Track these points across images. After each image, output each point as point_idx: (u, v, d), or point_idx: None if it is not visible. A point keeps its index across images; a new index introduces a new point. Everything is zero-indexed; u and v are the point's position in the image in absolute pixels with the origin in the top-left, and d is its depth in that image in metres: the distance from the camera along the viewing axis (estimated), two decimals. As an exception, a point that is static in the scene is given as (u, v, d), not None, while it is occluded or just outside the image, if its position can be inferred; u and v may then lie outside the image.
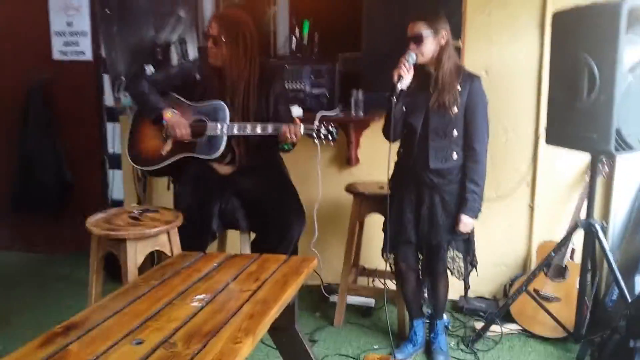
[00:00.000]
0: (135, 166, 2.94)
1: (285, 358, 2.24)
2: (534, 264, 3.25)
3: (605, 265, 2.88)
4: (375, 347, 2.94)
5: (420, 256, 2.76)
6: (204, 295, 1.82)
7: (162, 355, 1.42)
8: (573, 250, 3.07)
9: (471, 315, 3.24)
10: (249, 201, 2.86)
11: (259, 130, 2.65)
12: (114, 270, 2.39)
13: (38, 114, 4.02)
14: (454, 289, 3.33)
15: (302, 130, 2.61)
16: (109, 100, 3.91)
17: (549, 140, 2.75)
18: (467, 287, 2.81)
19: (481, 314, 3.21)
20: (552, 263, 3.02)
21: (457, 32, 3.15)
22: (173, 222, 2.43)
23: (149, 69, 3.60)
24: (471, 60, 3.23)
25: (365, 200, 3.05)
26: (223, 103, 2.70)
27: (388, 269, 2.95)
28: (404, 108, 2.57)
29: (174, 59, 3.68)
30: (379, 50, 3.28)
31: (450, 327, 3.09)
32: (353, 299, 3.28)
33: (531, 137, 3.28)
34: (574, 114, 2.50)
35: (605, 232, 3.03)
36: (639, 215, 3.07)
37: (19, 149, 4.05)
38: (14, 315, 3.18)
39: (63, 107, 4.08)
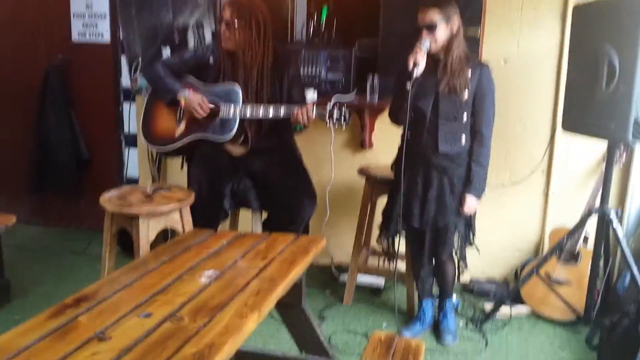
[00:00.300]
0: (149, 146, 2.98)
1: (292, 334, 2.28)
2: (546, 250, 3.24)
3: (618, 251, 2.86)
4: (384, 325, 2.97)
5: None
6: (212, 271, 1.85)
7: (169, 328, 1.45)
8: (586, 238, 3.05)
9: (481, 297, 3.25)
10: (261, 182, 2.89)
11: (271, 113, 2.67)
12: (128, 245, 2.44)
13: (56, 94, 4.07)
14: (466, 271, 3.35)
15: (314, 113, 2.62)
16: (125, 81, 3.95)
17: (565, 126, 2.73)
18: (463, 267, 2.79)
19: (491, 296, 3.22)
20: (564, 248, 3.01)
21: (476, 21, 3.14)
22: (185, 200, 2.47)
23: (166, 52, 3.63)
24: (490, 49, 3.22)
25: (377, 183, 3.06)
26: (237, 86, 2.72)
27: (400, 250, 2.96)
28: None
29: (191, 42, 3.70)
30: (397, 36, 3.26)
31: (459, 308, 3.11)
32: (363, 279, 3.31)
33: (548, 126, 3.26)
34: (592, 102, 2.49)
35: (620, 219, 3.01)
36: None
37: (37, 128, 4.12)
38: (32, 287, 3.29)
39: (81, 88, 4.14)
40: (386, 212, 2.81)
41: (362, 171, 3.14)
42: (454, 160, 2.59)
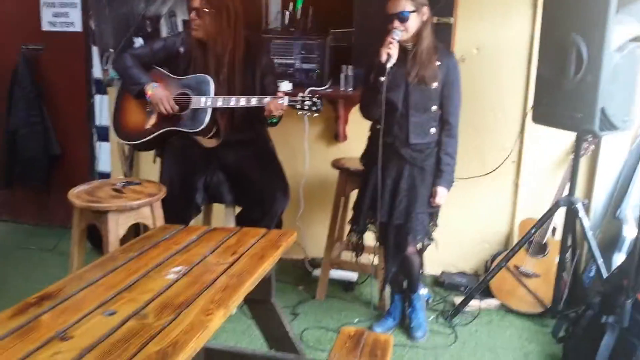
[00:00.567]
0: (120, 140, 2.95)
1: (261, 330, 2.28)
2: (515, 241, 3.28)
3: (586, 242, 2.92)
4: (356, 320, 2.99)
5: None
6: (180, 267, 1.84)
7: (132, 326, 1.44)
8: (554, 228, 3.11)
9: (452, 290, 3.29)
10: (233, 175, 2.88)
11: (243, 103, 2.66)
12: (99, 241, 2.41)
13: (25, 85, 3.99)
14: (437, 264, 3.40)
15: (286, 102, 2.61)
16: (97, 72, 3.89)
17: (535, 119, 2.76)
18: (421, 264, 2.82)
19: (462, 289, 3.26)
20: (532, 240, 3.06)
21: (449, 9, 3.14)
22: (156, 195, 2.45)
23: (139, 42, 3.59)
24: (462, 37, 3.23)
25: (350, 176, 3.07)
26: (207, 76, 2.70)
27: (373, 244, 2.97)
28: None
29: (164, 32, 3.66)
30: (371, 27, 3.26)
31: (430, 302, 3.15)
32: (336, 273, 3.32)
33: (519, 116, 3.29)
34: (561, 93, 2.51)
35: (587, 210, 3.07)
36: (620, 194, 3.09)
37: (6, 120, 4.04)
38: None
39: (51, 79, 4.06)
40: (356, 206, 2.81)
41: (336, 164, 3.14)
42: (423, 151, 2.61)
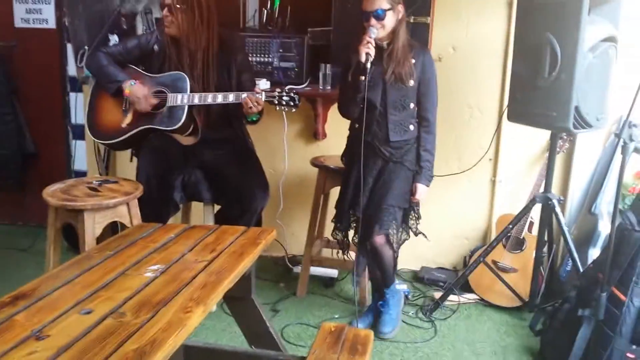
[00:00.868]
0: (95, 140, 2.91)
1: (241, 327, 2.27)
2: (493, 237, 3.32)
3: (562, 237, 2.96)
4: (336, 316, 3.00)
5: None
6: (158, 265, 1.82)
7: (110, 325, 1.42)
8: (531, 224, 3.15)
9: (431, 286, 3.32)
10: (212, 173, 2.86)
11: (220, 99, 2.64)
12: (76, 241, 2.38)
13: (-1, 82, 3.93)
14: (416, 260, 3.42)
15: (263, 97, 2.60)
16: (72, 69, 3.83)
17: (510, 118, 2.80)
18: (395, 257, 2.80)
19: (441, 284, 3.29)
20: (510, 235, 3.09)
21: (426, 9, 3.14)
22: (132, 193, 2.42)
23: (114, 39, 3.54)
24: (439, 36, 3.25)
25: (329, 174, 3.07)
26: (183, 74, 2.68)
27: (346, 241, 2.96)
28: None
29: (140, 29, 3.62)
30: (349, 26, 3.26)
31: (409, 297, 3.16)
32: (317, 270, 3.31)
33: (495, 114, 3.32)
34: (536, 92, 2.54)
35: (562, 207, 3.12)
36: (595, 190, 3.14)
37: (-22, 118, 3.97)
38: (-27, 286, 3.17)
39: (25, 76, 3.99)
40: (338, 204, 2.82)
41: (315, 162, 3.14)
42: (402, 148, 2.63)
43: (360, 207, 2.65)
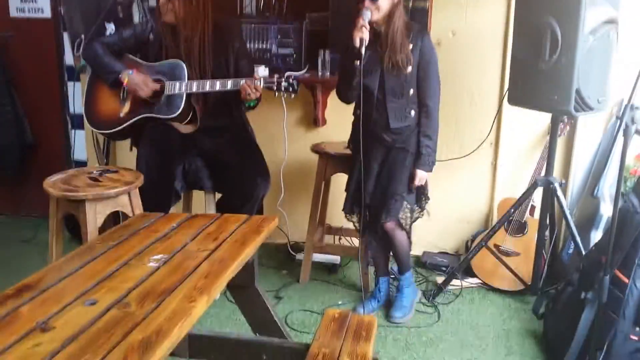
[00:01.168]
0: (94, 130, 2.89)
1: (246, 315, 2.27)
2: (495, 221, 3.32)
3: (563, 221, 2.96)
4: (340, 302, 3.00)
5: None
6: (161, 255, 1.82)
7: (115, 315, 1.42)
8: (533, 207, 3.15)
9: (433, 270, 3.32)
10: (212, 161, 2.85)
11: (218, 86, 2.63)
12: (78, 231, 2.37)
13: (-5, 73, 3.90)
14: (418, 244, 3.42)
15: (262, 84, 2.59)
16: (69, 59, 3.81)
17: (511, 101, 2.78)
18: (409, 237, 2.83)
19: (443, 268, 3.29)
20: (512, 219, 3.09)
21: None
22: (133, 183, 2.40)
23: (110, 28, 3.51)
24: (438, 21, 3.22)
25: (330, 160, 3.07)
26: (180, 61, 2.66)
27: (353, 227, 2.99)
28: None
29: (136, 17, 3.59)
30: (347, 10, 3.23)
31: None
32: (319, 257, 3.33)
33: (496, 98, 3.31)
34: (536, 75, 2.53)
35: (564, 190, 3.11)
36: (597, 173, 3.14)
37: (-24, 109, 3.94)
38: (-24, 278, 3.16)
39: (22, 66, 3.97)
40: (346, 190, 2.82)
41: (315, 148, 3.13)
42: (403, 134, 2.62)
43: (367, 193, 2.66)
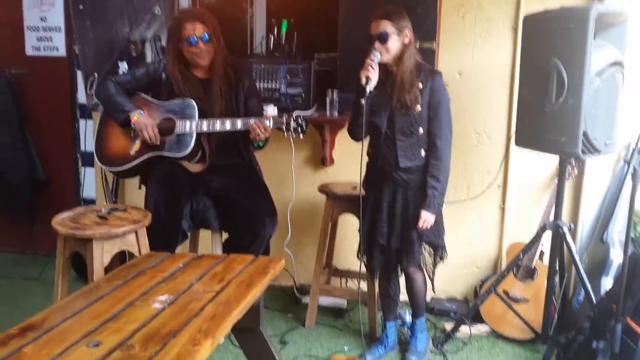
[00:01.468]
0: (103, 167, 2.91)
1: (250, 359, 2.24)
2: (504, 265, 3.28)
3: (574, 266, 2.92)
4: (346, 348, 2.94)
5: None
6: (166, 296, 1.81)
7: (118, 358, 1.40)
8: (542, 252, 3.11)
9: (442, 316, 3.26)
10: (220, 200, 2.85)
11: (228, 126, 2.65)
12: (84, 270, 2.36)
13: (9, 110, 3.96)
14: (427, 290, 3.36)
15: (271, 124, 2.61)
16: (81, 97, 3.87)
17: (518, 143, 2.78)
18: (432, 283, 2.81)
19: (452, 314, 3.24)
20: (520, 264, 3.05)
21: (432, 33, 3.16)
22: (141, 221, 2.40)
23: (123, 66, 3.58)
24: (445, 61, 3.26)
25: (338, 201, 3.05)
26: (192, 100, 2.70)
27: (362, 270, 2.95)
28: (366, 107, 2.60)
29: (149, 56, 3.66)
30: (355, 51, 3.29)
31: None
32: (325, 300, 3.28)
33: (503, 139, 3.31)
34: (543, 116, 2.53)
35: (573, 234, 3.08)
36: (606, 218, 3.11)
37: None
38: (-19, 315, 3.15)
39: (35, 104, 4.03)
40: (360, 231, 2.80)
41: (323, 189, 3.13)
42: (414, 173, 2.61)
43: (377, 236, 2.66)
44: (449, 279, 3.42)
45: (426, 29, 3.15)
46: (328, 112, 3.31)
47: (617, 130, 2.56)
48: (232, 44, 2.95)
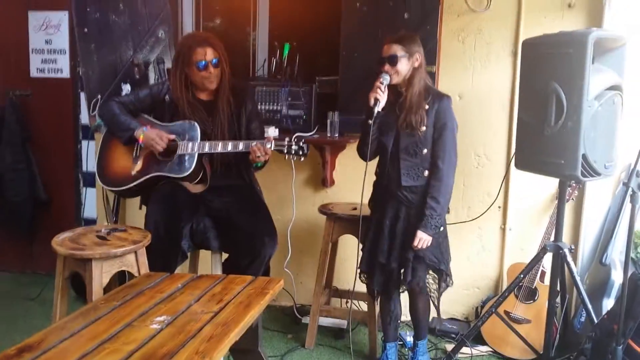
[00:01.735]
0: (105, 187, 2.93)
1: (248, 381, 2.22)
2: (505, 286, 3.27)
3: (575, 287, 2.90)
4: (345, 370, 2.93)
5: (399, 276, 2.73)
6: (164, 316, 1.80)
7: (115, 379, 1.40)
8: (543, 273, 3.10)
9: (443, 337, 3.25)
10: (220, 221, 2.86)
11: (230, 148, 2.68)
12: (84, 290, 2.36)
13: (13, 130, 3.99)
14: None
15: (272, 147, 2.63)
16: (85, 118, 3.91)
17: (518, 165, 2.79)
18: (437, 308, 2.81)
19: (453, 335, 3.22)
20: (521, 285, 3.04)
21: (432, 57, 3.21)
22: (140, 242, 2.41)
23: (126, 88, 3.62)
24: (445, 85, 3.28)
25: (338, 221, 3.06)
26: (194, 122, 2.73)
27: (363, 289, 2.94)
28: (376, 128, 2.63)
29: (152, 78, 3.70)
30: (356, 74, 3.34)
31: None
32: (325, 321, 3.27)
33: (503, 161, 3.33)
34: (543, 140, 2.54)
35: (574, 256, 3.07)
36: (606, 239, 3.10)
37: (-7, 165, 4.02)
38: (-20, 335, 3.13)
39: (39, 124, 4.07)
40: (362, 249, 2.82)
41: (323, 209, 3.14)
42: (417, 193, 2.63)
43: (381, 251, 2.67)
44: (450, 299, 3.40)
45: (427, 52, 3.16)
46: (329, 134, 3.34)
47: (616, 152, 2.57)
48: (234, 67, 2.99)
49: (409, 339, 3.01)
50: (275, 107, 3.45)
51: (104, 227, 2.57)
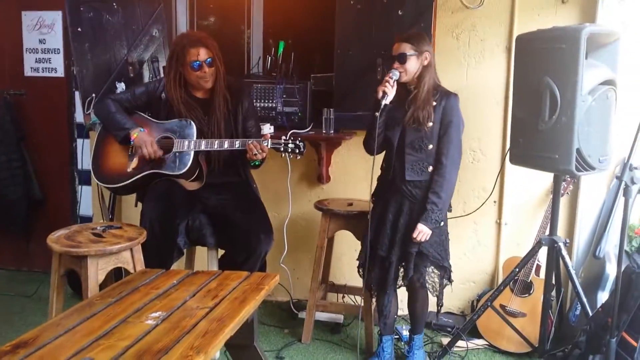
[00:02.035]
0: (100, 184, 2.93)
1: (245, 376, 2.23)
2: (501, 280, 3.28)
3: (570, 281, 2.92)
4: (342, 364, 2.94)
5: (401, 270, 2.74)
6: (159, 312, 1.81)
7: (110, 374, 1.41)
8: (539, 267, 3.11)
9: (439, 331, 3.26)
10: (216, 217, 2.86)
11: (226, 146, 2.68)
12: (80, 287, 2.36)
13: (8, 129, 3.98)
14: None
15: (269, 145, 2.64)
16: (79, 116, 3.91)
17: (513, 160, 2.80)
18: (439, 304, 2.80)
19: (449, 329, 3.23)
20: (517, 279, 3.06)
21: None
22: (136, 239, 2.41)
23: (121, 87, 3.61)
24: (440, 80, 3.28)
25: (333, 217, 3.07)
26: (190, 120, 2.73)
27: (359, 284, 2.95)
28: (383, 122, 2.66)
29: (146, 77, 3.69)
30: (350, 71, 3.35)
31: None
32: (322, 315, 3.28)
33: (498, 157, 3.34)
34: (537, 135, 2.55)
35: (569, 249, 3.09)
36: (600, 233, 3.11)
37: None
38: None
39: (33, 123, 4.06)
40: (362, 241, 2.84)
41: (319, 205, 3.14)
42: (421, 188, 2.65)
43: (378, 247, 2.69)
44: (446, 293, 3.35)
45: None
46: (324, 130, 3.34)
47: (611, 147, 2.58)
48: (229, 65, 2.99)
49: (405, 332, 3.02)
50: (270, 105, 3.46)
51: (99, 224, 2.58)
